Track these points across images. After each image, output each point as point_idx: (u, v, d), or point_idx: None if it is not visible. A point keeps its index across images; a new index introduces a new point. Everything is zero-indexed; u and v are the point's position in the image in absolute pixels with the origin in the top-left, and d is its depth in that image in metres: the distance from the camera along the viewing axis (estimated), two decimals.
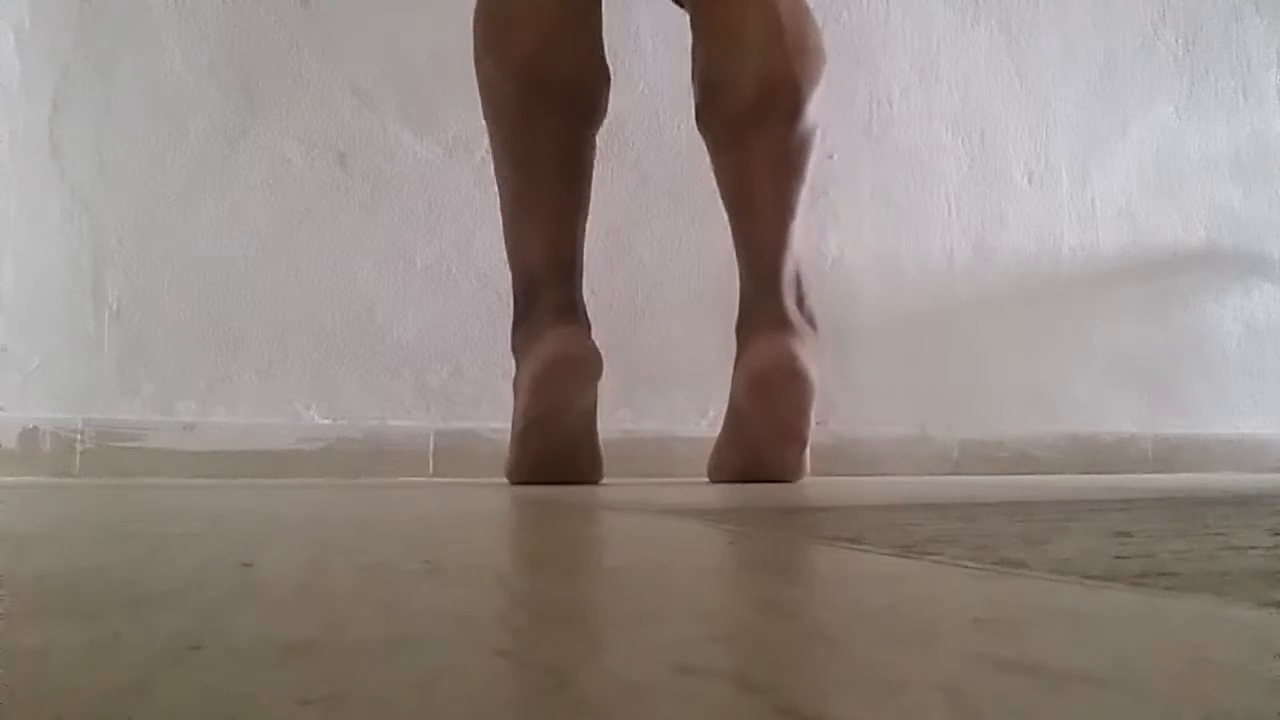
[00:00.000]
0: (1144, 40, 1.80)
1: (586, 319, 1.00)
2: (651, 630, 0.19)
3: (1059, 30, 1.74)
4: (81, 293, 1.21)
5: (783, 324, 0.93)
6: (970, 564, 0.29)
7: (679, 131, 1.08)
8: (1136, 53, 1.80)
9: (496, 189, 1.01)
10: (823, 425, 1.44)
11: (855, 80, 1.58)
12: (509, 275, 1.03)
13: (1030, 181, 1.70)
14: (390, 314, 1.31)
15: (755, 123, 0.93)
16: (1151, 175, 1.79)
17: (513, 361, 1.01)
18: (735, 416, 0.98)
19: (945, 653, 0.16)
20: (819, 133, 0.98)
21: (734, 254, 1.00)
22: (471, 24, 1.01)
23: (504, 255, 1.03)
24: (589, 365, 0.92)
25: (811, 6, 0.98)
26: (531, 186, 0.97)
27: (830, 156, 1.54)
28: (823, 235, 1.52)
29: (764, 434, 0.93)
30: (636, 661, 0.16)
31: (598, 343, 0.97)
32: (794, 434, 0.93)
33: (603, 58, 0.98)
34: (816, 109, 0.96)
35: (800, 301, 0.97)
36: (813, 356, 0.94)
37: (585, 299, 1.01)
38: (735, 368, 0.97)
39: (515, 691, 0.14)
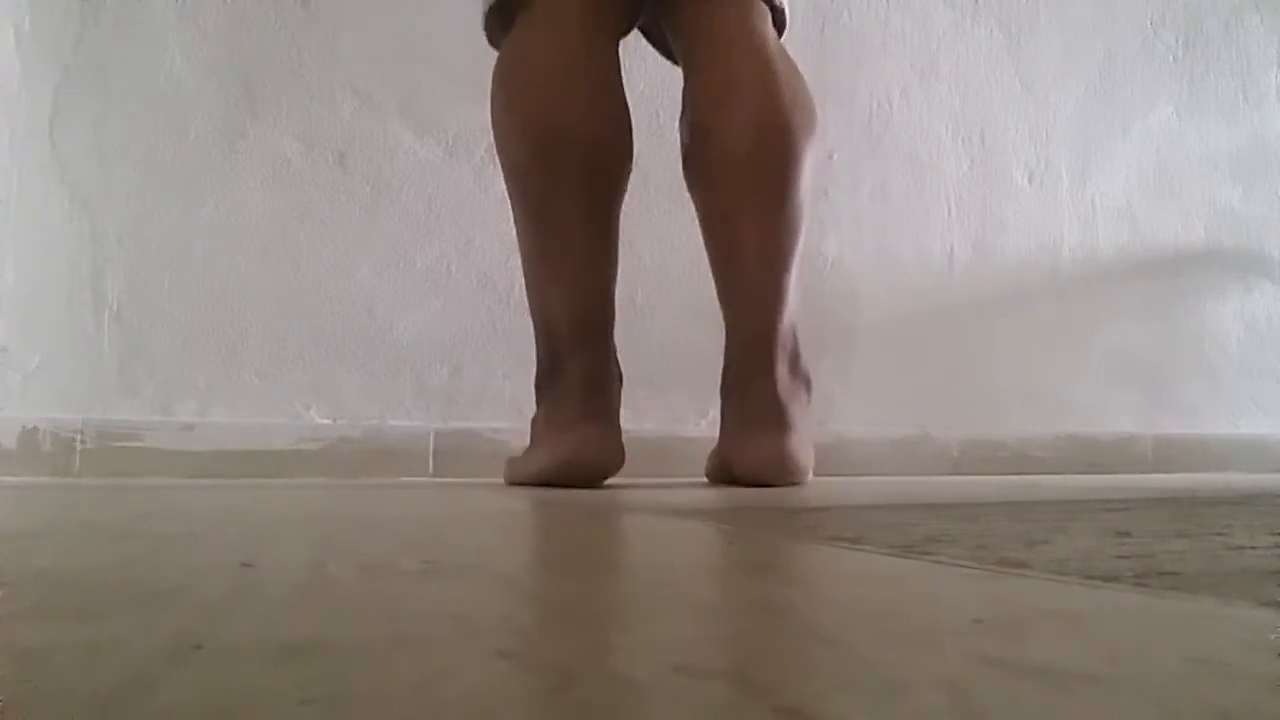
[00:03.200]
0: (1144, 40, 1.80)
1: (617, 391, 0.95)
2: (652, 630, 0.19)
3: (1059, 30, 1.74)
4: (81, 293, 1.21)
5: (774, 416, 0.90)
6: (970, 564, 0.29)
7: (679, 135, 1.08)
8: (1136, 53, 1.80)
9: (502, 191, 1.00)
10: (822, 425, 1.44)
11: (855, 80, 1.58)
12: (511, 275, 1.03)
13: (1030, 181, 1.70)
14: (390, 314, 1.31)
15: (749, 171, 0.90)
16: (1151, 175, 1.79)
17: (515, 361, 1.01)
18: (726, 462, 0.95)
19: (945, 653, 0.16)
20: (811, 196, 0.95)
21: (720, 307, 0.96)
22: (478, 28, 1.00)
23: (505, 255, 1.03)
24: (609, 465, 0.90)
25: (812, 8, 0.98)
26: (552, 249, 0.92)
27: (830, 156, 1.54)
28: (823, 235, 1.52)
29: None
30: (637, 661, 0.16)
31: None
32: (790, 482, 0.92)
33: (623, 111, 0.94)
34: (811, 163, 0.93)
35: (794, 361, 0.95)
36: (806, 442, 0.92)
37: None
38: (722, 441, 0.95)
39: (515, 691, 0.14)
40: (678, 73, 1.02)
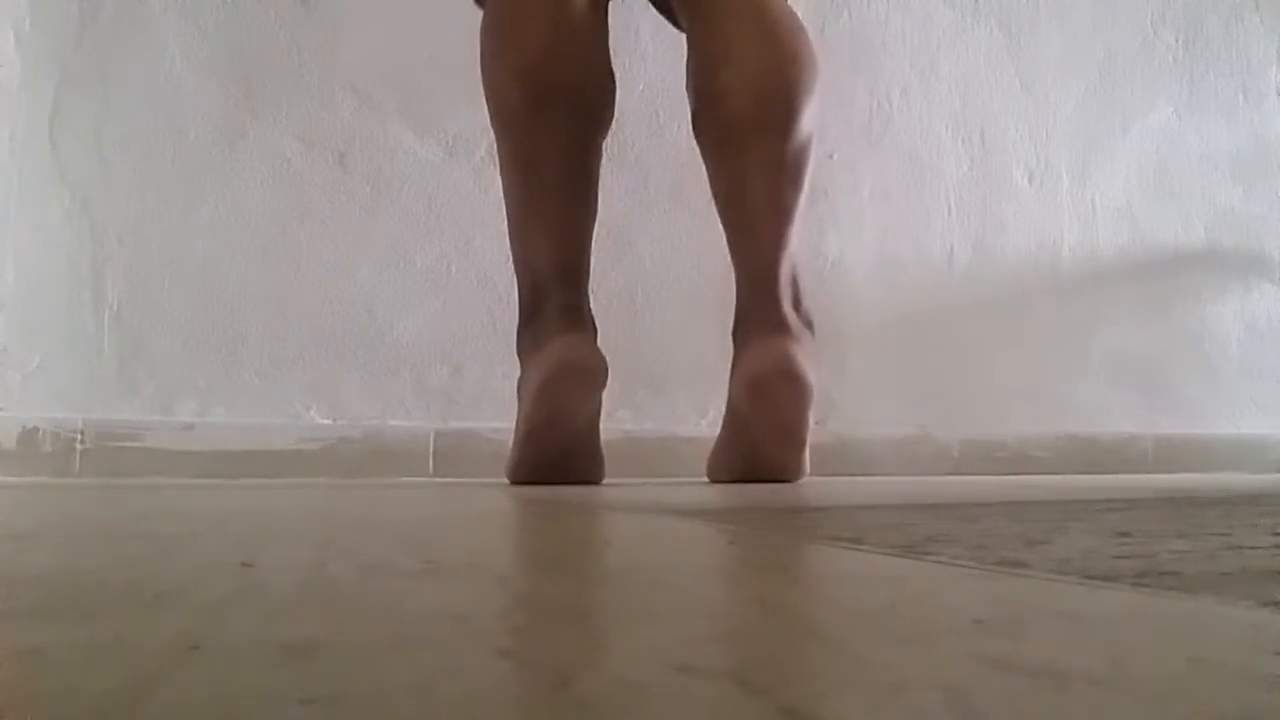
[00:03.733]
0: (1144, 40, 1.80)
1: (593, 324, 1.00)
2: (652, 630, 0.19)
3: (1059, 30, 1.74)
4: (81, 293, 1.21)
5: (780, 327, 0.93)
6: (970, 564, 0.29)
7: (679, 131, 1.08)
8: (1136, 53, 1.80)
9: (501, 192, 1.01)
10: (823, 425, 1.44)
11: (855, 80, 1.58)
12: (511, 275, 1.03)
13: (1030, 181, 1.70)
14: (390, 314, 1.31)
15: (750, 132, 0.94)
16: (1151, 175, 1.79)
17: (515, 361, 1.01)
18: (734, 419, 0.98)
19: (945, 653, 0.16)
20: (815, 140, 0.98)
21: (730, 259, 0.99)
22: (479, 31, 1.00)
23: (505, 254, 1.03)
24: (594, 373, 0.92)
25: (812, 8, 0.98)
26: (538, 193, 0.96)
27: (830, 156, 1.54)
28: (823, 235, 1.52)
29: (763, 436, 0.93)
30: (637, 661, 0.16)
31: (600, 343, 0.97)
32: (793, 436, 0.93)
33: (609, 66, 0.98)
34: (811, 118, 0.96)
35: (797, 304, 0.97)
36: (810, 359, 0.94)
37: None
38: (732, 372, 0.97)
39: (515, 691, 0.14)
40: (678, 73, 1.02)
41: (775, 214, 0.95)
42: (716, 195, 1.00)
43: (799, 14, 0.97)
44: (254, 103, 1.28)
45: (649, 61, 1.15)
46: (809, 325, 0.99)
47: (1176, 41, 1.83)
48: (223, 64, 1.28)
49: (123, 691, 0.14)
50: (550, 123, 0.94)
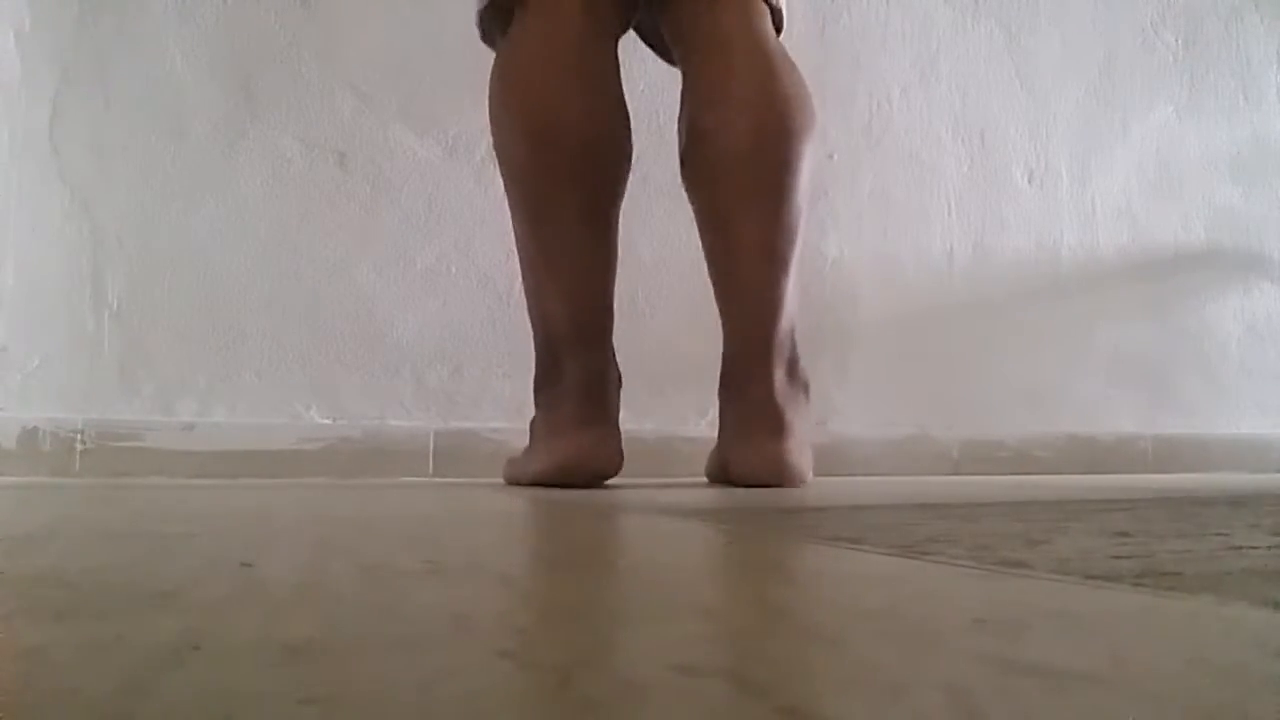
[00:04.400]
0: (1144, 40, 1.80)
1: (616, 393, 0.95)
2: (652, 630, 0.19)
3: (1059, 30, 1.74)
4: (81, 293, 1.21)
5: (772, 419, 0.90)
6: (970, 564, 0.29)
7: (677, 135, 1.08)
8: (1136, 53, 1.80)
9: (501, 190, 1.01)
10: (823, 425, 1.44)
11: (855, 80, 1.58)
12: (510, 275, 1.03)
13: (1030, 181, 1.70)
14: (390, 314, 1.31)
15: (746, 173, 0.90)
16: (1151, 175, 1.79)
17: (515, 361, 1.01)
18: (724, 467, 0.95)
19: (945, 653, 0.16)
20: (810, 196, 0.95)
21: (717, 311, 0.95)
22: (477, 30, 1.00)
23: (505, 255, 1.03)
24: (608, 468, 0.90)
25: (812, 8, 0.98)
26: (550, 247, 0.91)
27: (830, 156, 1.54)
28: (823, 235, 1.52)
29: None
30: (637, 661, 0.16)
31: None
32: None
33: (622, 111, 0.93)
34: (809, 164, 0.92)
35: (792, 367, 0.94)
36: (803, 447, 0.92)
37: None
38: (721, 442, 0.94)
39: (516, 691, 0.14)
40: (678, 72, 1.02)
41: (770, 266, 0.91)
42: (705, 241, 0.95)
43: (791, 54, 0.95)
44: (254, 103, 1.28)
45: (649, 61, 1.15)
46: (804, 388, 0.96)
47: (1176, 41, 1.83)
48: (223, 64, 1.28)
49: (123, 691, 0.14)
50: (561, 175, 0.89)
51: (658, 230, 1.42)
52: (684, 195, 0.99)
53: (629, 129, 0.94)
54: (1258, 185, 1.87)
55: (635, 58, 1.42)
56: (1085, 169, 1.74)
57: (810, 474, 0.97)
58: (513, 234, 0.96)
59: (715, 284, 0.96)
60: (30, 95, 1.21)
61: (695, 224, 0.97)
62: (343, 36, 1.32)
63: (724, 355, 0.96)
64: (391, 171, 1.33)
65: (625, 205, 0.97)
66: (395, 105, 1.34)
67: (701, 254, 0.98)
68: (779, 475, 0.89)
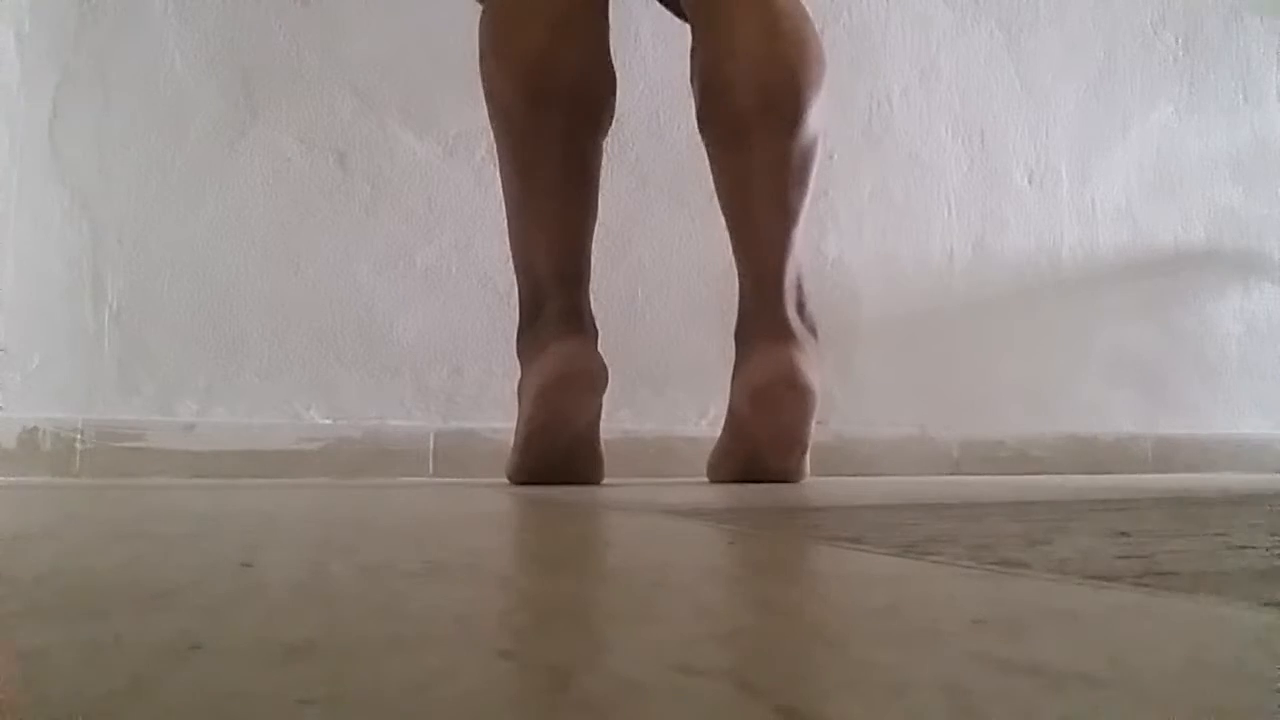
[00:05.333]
0: (1144, 40, 1.80)
1: (594, 326, 0.99)
2: (652, 630, 0.19)
3: (1059, 30, 1.74)
4: (81, 293, 1.21)
5: (783, 333, 0.92)
6: (970, 564, 0.29)
7: (679, 131, 1.08)
8: (1136, 53, 1.80)
9: (501, 192, 1.01)
10: (823, 425, 1.44)
11: (855, 80, 1.58)
12: (511, 275, 1.03)
13: (1030, 181, 1.70)
14: (390, 314, 1.31)
15: (756, 127, 0.92)
16: (1151, 175, 1.79)
17: (515, 361, 1.01)
18: (736, 424, 0.97)
19: (945, 653, 0.16)
20: (821, 139, 0.97)
21: (733, 258, 0.99)
22: (477, 29, 1.00)
23: (505, 255, 1.03)
24: (594, 378, 0.92)
25: (812, 9, 0.98)
26: (537, 193, 0.96)
27: (830, 156, 1.53)
28: (823, 235, 1.52)
29: (765, 442, 0.93)
30: (637, 661, 0.16)
31: (600, 343, 0.97)
32: (795, 442, 0.93)
33: (609, 64, 0.97)
34: (818, 116, 0.95)
35: (801, 308, 0.96)
36: (814, 365, 0.93)
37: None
38: (735, 376, 0.96)
39: (515, 691, 0.14)
40: (678, 72, 1.02)
41: (780, 214, 0.94)
42: (720, 193, 0.99)
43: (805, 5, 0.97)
44: (254, 103, 1.28)
45: (649, 61, 1.15)
46: (813, 330, 0.98)
47: (1176, 42, 1.83)
48: (223, 64, 1.28)
49: (123, 691, 0.14)
50: (548, 123, 0.93)
51: (658, 230, 1.42)
52: (684, 195, 0.99)
53: (614, 83, 0.98)
54: (1258, 185, 1.87)
55: (636, 58, 1.42)
56: (1085, 169, 1.74)
57: (809, 471, 0.97)
58: (503, 199, 1.00)
59: (731, 233, 0.98)
60: (30, 95, 1.21)
61: (712, 180, 1.00)
62: (343, 36, 1.32)
63: (739, 303, 0.98)
64: (391, 171, 1.33)
65: (625, 205, 0.97)
66: (395, 105, 1.34)
67: (702, 254, 0.99)
68: (791, 382, 0.89)
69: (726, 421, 1.00)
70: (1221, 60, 1.86)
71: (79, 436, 1.17)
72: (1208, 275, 1.81)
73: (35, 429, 1.16)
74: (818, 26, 0.99)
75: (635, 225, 1.40)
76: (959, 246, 1.63)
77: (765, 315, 0.94)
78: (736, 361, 0.97)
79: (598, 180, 0.99)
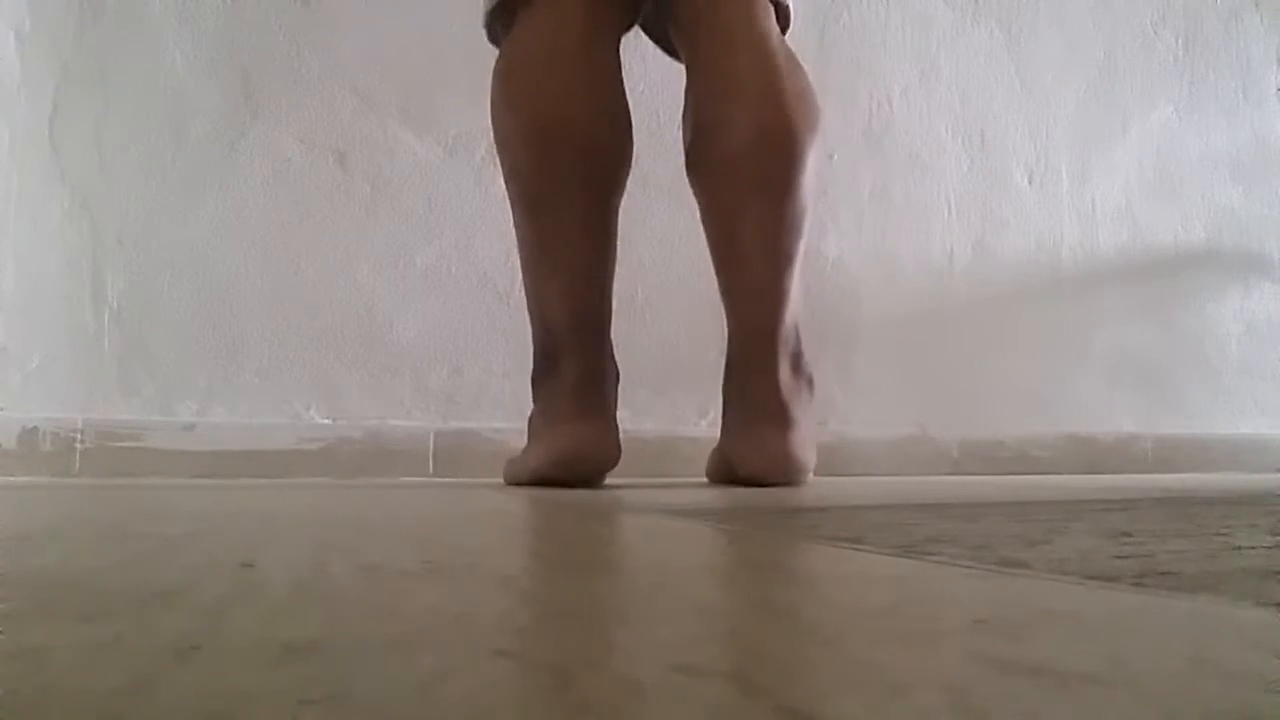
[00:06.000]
0: (1144, 40, 1.80)
1: (613, 388, 0.96)
2: (652, 630, 0.19)
3: (1059, 30, 1.74)
4: (81, 293, 1.21)
5: (775, 412, 0.90)
6: (970, 564, 0.29)
7: (679, 132, 1.08)
8: (1136, 53, 1.80)
9: (501, 189, 1.01)
10: (823, 425, 1.44)
11: (855, 80, 1.58)
12: (511, 275, 1.03)
13: (1030, 181, 1.70)
14: (390, 314, 1.31)
15: (753, 168, 0.90)
16: (1151, 175, 1.79)
17: (515, 361, 1.01)
18: (727, 462, 0.95)
19: (945, 653, 0.16)
20: (816, 186, 0.95)
21: (721, 302, 0.96)
22: (479, 29, 1.00)
23: (505, 255, 1.03)
24: (606, 460, 0.90)
25: (812, 8, 0.98)
26: (550, 244, 0.92)
27: (830, 156, 1.53)
28: (823, 235, 1.52)
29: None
30: (637, 661, 0.16)
31: None
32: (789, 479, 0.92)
33: (624, 110, 0.94)
34: (815, 159, 0.92)
35: (796, 362, 0.94)
36: (806, 441, 0.92)
37: None
38: (724, 436, 0.94)
39: (516, 691, 0.14)
40: (678, 73, 1.02)
41: (775, 262, 0.91)
42: (710, 238, 0.95)
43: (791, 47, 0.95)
44: (254, 103, 1.28)
45: (649, 62, 1.15)
46: (808, 382, 0.96)
47: (1176, 41, 1.83)
48: (223, 64, 1.28)
49: (123, 691, 0.14)
50: (561, 174, 0.89)
51: (658, 230, 1.42)
52: (684, 195, 0.99)
53: (630, 128, 0.94)
54: (1258, 185, 1.87)
55: (635, 58, 1.42)
56: (1085, 169, 1.74)
57: (812, 469, 0.97)
58: (513, 231, 0.97)
59: (720, 278, 0.96)
60: (30, 95, 1.21)
61: (699, 219, 0.97)
62: (343, 36, 1.32)
63: (728, 350, 0.96)
64: (391, 171, 1.33)
65: (625, 205, 0.97)
66: (395, 105, 1.34)
67: (701, 254, 0.99)
68: (783, 469, 0.89)
69: (721, 438, 0.98)
70: (1221, 60, 1.86)
71: (79, 436, 1.17)
72: (1208, 275, 1.82)
73: (35, 429, 1.16)
74: (818, 26, 0.99)
75: (635, 225, 1.39)
76: (959, 246, 1.63)
77: (756, 382, 0.91)
78: (723, 424, 0.95)
79: (615, 230, 0.95)
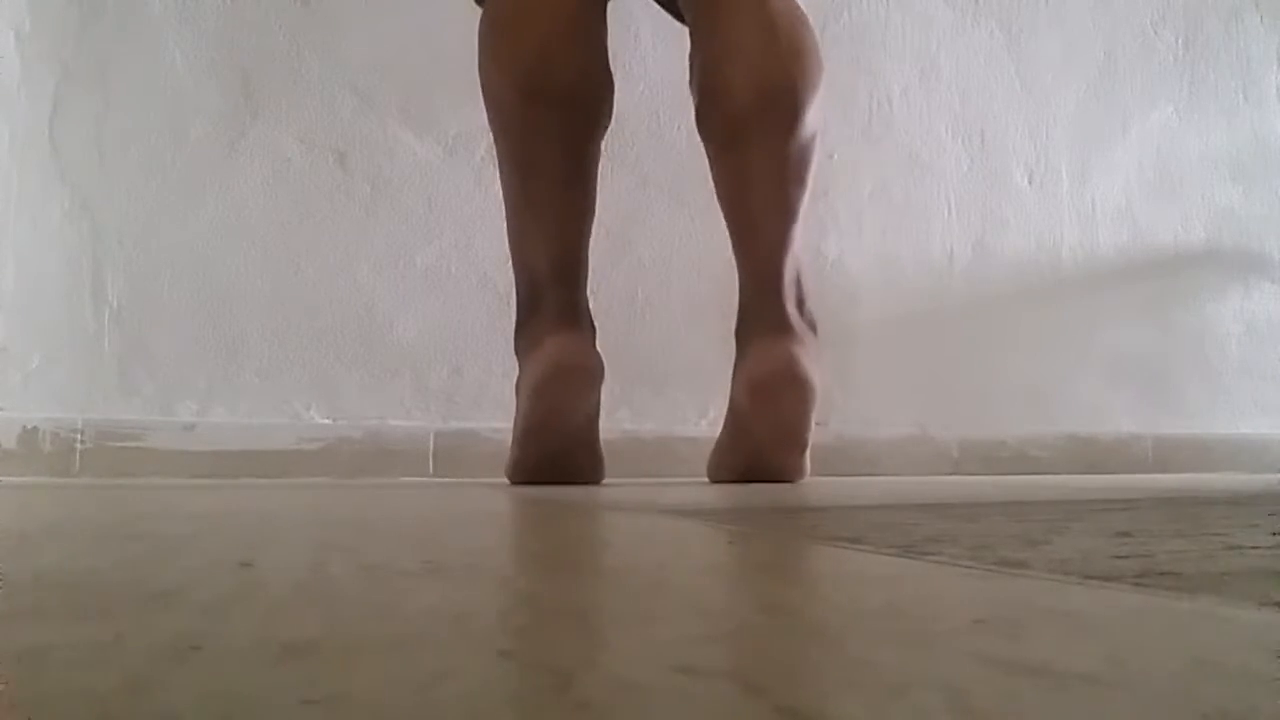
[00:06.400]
0: (1144, 40, 1.80)
1: (591, 323, 0.99)
2: (652, 630, 0.19)
3: (1059, 30, 1.74)
4: (81, 293, 1.21)
5: (783, 329, 0.93)
6: (970, 564, 0.29)
7: (679, 131, 1.08)
8: (1136, 53, 1.80)
9: (500, 190, 1.01)
10: (823, 425, 1.44)
11: (855, 80, 1.58)
12: (510, 274, 1.03)
13: (1030, 181, 1.70)
14: (390, 314, 1.31)
15: (754, 128, 0.93)
16: (1151, 175, 1.79)
17: (514, 361, 1.01)
18: (736, 420, 0.97)
19: (945, 653, 0.16)
20: (819, 138, 0.98)
21: (733, 257, 0.99)
22: (476, 31, 1.00)
23: (504, 254, 1.03)
24: (590, 372, 0.92)
25: (812, 8, 0.98)
26: (535, 193, 0.96)
27: (830, 156, 1.53)
28: (823, 235, 1.52)
29: (765, 438, 0.93)
30: (637, 661, 0.16)
31: (599, 342, 0.97)
32: (795, 438, 0.93)
33: (607, 66, 0.98)
34: (815, 115, 0.95)
35: (801, 305, 0.97)
36: (814, 360, 0.93)
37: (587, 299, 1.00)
38: (735, 372, 0.97)
39: (515, 691, 0.14)
40: (678, 73, 1.02)
41: (779, 213, 0.95)
42: (720, 193, 0.99)
43: (802, 6, 0.97)
44: (254, 103, 1.28)
45: (649, 62, 1.15)
46: (812, 326, 0.98)
47: (1176, 41, 1.83)
48: (223, 64, 1.28)
49: (123, 691, 0.14)
50: (546, 123, 0.94)
51: (658, 230, 1.42)
52: (684, 195, 1.00)
53: (612, 85, 0.98)
54: (1258, 185, 1.87)
55: (636, 58, 1.42)
56: (1085, 169, 1.74)
57: (809, 470, 0.97)
58: (502, 197, 1.00)
59: (730, 229, 0.99)
60: (30, 95, 1.21)
61: (710, 180, 1.00)
62: (343, 36, 1.32)
63: (739, 301, 0.99)
64: (391, 171, 1.33)
65: (625, 205, 0.97)
66: (395, 105, 1.34)
67: (702, 254, 0.99)
68: (790, 377, 0.90)
69: (727, 419, 1.00)
70: (1221, 60, 1.86)
71: (79, 436, 1.17)
72: (1208, 275, 1.81)
73: (35, 429, 1.16)
74: (818, 26, 0.99)
75: (635, 225, 1.40)
76: (959, 246, 1.63)
77: (765, 312, 0.94)
78: (737, 358, 0.97)
79: (595, 179, 0.99)
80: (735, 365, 0.97)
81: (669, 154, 1.40)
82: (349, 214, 1.31)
